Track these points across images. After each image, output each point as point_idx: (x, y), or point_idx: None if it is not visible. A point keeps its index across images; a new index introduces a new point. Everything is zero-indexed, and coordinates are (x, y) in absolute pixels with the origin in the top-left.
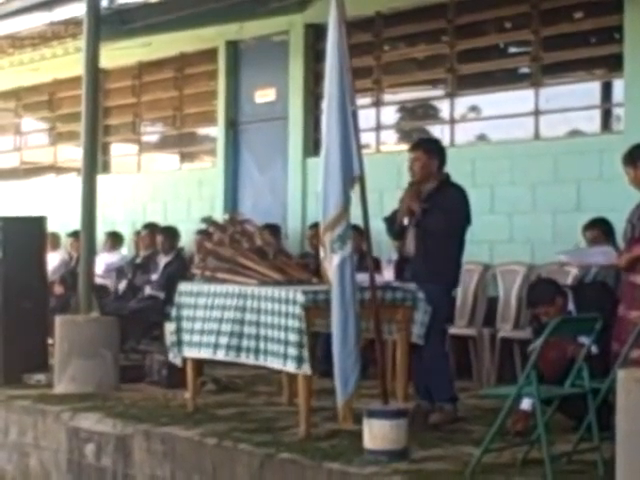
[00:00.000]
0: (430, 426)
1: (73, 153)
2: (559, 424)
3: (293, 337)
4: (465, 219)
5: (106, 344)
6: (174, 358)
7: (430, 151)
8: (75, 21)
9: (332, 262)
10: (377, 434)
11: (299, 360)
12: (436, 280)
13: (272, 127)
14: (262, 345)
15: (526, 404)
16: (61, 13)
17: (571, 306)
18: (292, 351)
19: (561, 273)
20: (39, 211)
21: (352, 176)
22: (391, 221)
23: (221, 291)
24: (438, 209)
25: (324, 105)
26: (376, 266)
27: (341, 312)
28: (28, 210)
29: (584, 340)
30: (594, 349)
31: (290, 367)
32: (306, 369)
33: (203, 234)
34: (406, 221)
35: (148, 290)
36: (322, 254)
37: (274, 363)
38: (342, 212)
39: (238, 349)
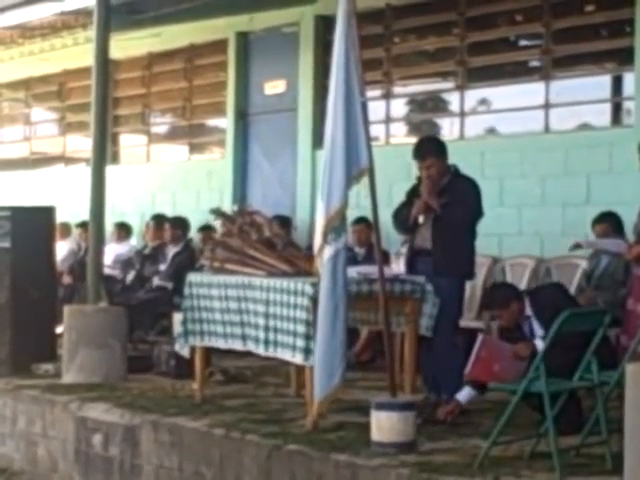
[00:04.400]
0: (438, 419)
1: (82, 143)
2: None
3: (301, 329)
4: (478, 208)
5: (114, 334)
6: (181, 349)
7: (440, 154)
8: (85, 11)
9: (325, 254)
10: (385, 426)
11: (306, 352)
12: (455, 271)
13: (281, 119)
14: (271, 336)
15: (463, 396)
16: (71, 3)
17: (529, 311)
18: (300, 343)
19: (570, 267)
20: (48, 201)
21: (357, 169)
22: (402, 217)
23: (231, 282)
24: (455, 202)
25: (329, 98)
26: (385, 258)
27: (331, 304)
28: (37, 200)
29: (538, 343)
30: (540, 344)
31: (298, 359)
32: (313, 361)
33: (205, 230)
34: (421, 219)
35: (156, 281)
36: (316, 246)
37: (283, 354)
38: (344, 205)
39: (253, 340)
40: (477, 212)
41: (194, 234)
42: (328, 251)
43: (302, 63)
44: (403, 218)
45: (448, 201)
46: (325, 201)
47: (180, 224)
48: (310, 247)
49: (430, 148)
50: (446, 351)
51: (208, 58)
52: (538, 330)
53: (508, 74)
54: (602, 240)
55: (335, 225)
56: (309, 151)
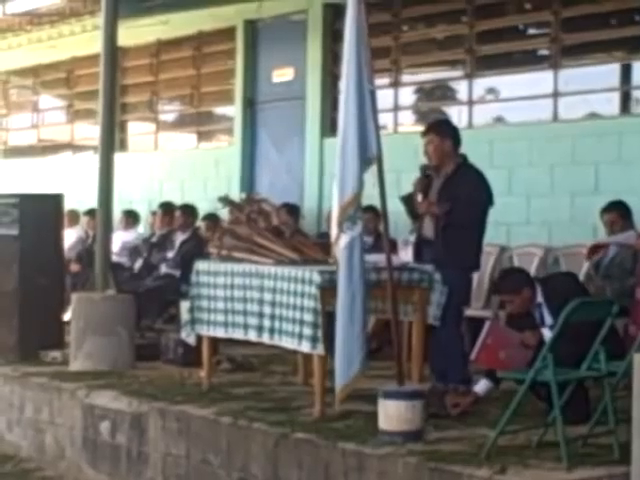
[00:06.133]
0: (446, 413)
1: (90, 131)
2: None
3: (308, 317)
4: (486, 203)
5: (122, 322)
6: (187, 337)
7: (442, 132)
8: None
9: (341, 242)
10: (392, 415)
11: (313, 340)
12: (456, 265)
13: (289, 107)
14: (277, 325)
15: (480, 388)
16: None
17: (540, 298)
18: (307, 331)
19: (578, 256)
20: (56, 189)
21: (368, 157)
22: (408, 202)
23: (239, 270)
24: (458, 200)
25: (342, 85)
26: (392, 247)
27: (348, 292)
28: (45, 188)
29: (545, 332)
30: (547, 333)
31: (305, 347)
32: (320, 349)
33: (210, 219)
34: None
35: (164, 268)
36: (333, 235)
37: (289, 343)
38: (358, 193)
39: (258, 329)
40: (480, 207)
41: (199, 223)
42: (344, 239)
43: (310, 51)
44: (411, 206)
45: (448, 196)
46: (339, 190)
47: (191, 211)
48: (321, 235)
49: (435, 125)
50: (450, 340)
51: (216, 46)
52: (548, 318)
53: (517, 62)
54: (614, 237)
55: (350, 213)
56: (317, 139)
